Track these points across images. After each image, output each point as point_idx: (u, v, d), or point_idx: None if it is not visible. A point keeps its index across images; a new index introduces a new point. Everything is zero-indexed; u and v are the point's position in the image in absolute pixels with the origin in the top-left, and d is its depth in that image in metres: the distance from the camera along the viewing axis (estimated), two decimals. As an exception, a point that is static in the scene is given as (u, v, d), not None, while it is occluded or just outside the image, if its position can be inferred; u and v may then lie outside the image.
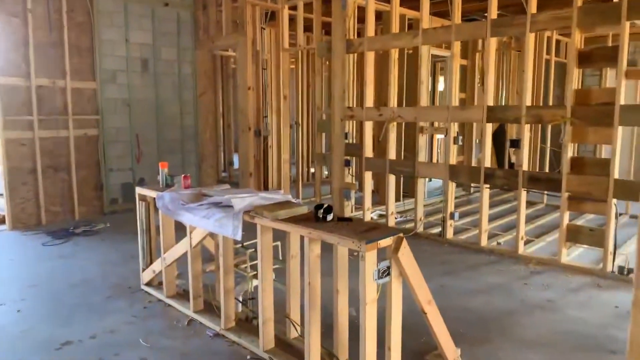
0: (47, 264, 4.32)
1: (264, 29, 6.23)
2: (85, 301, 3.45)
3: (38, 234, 5.25)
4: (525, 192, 4.35)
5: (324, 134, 6.65)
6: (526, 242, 4.60)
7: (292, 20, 6.20)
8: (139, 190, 3.53)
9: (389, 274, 1.99)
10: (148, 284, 3.59)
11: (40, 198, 5.61)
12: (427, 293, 2.13)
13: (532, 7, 4.09)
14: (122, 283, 3.77)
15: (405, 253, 1.99)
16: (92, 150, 6.02)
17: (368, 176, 5.52)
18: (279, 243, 2.85)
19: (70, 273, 4.06)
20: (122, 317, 3.18)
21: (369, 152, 5.47)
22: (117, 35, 6.15)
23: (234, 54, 7.06)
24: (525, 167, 4.37)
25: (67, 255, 4.58)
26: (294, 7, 6.09)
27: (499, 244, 4.71)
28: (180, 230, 3.21)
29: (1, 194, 6.18)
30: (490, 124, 4.56)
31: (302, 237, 2.35)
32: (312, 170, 8.37)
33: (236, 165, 8.16)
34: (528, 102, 4.29)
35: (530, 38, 4.22)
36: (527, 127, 4.33)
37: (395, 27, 5.17)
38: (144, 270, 3.60)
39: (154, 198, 3.29)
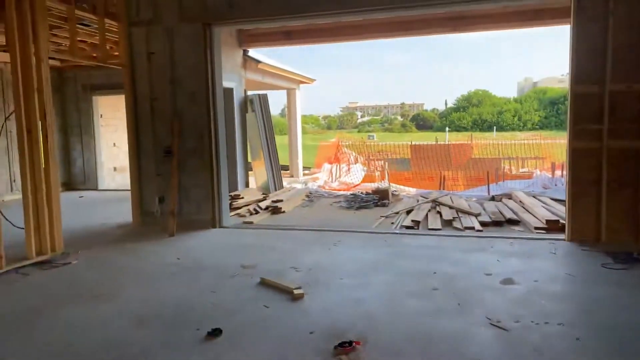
0: (603, 290, 3.89)
1: None
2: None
3: (596, 252, 4.89)
4: None
5: None
6: None
7: None
8: None
9: None
10: None
11: (602, 213, 5.20)
12: None
13: None
14: None
15: None
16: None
17: None
18: None
19: (625, 307, 3.48)
20: None
21: None
22: None
23: None
24: None
25: (626, 284, 3.98)
26: None
27: None
28: None
29: (562, 201, 6.23)
30: None
31: None
32: None
33: None
34: None
35: None
36: None
37: None
38: None
39: None
